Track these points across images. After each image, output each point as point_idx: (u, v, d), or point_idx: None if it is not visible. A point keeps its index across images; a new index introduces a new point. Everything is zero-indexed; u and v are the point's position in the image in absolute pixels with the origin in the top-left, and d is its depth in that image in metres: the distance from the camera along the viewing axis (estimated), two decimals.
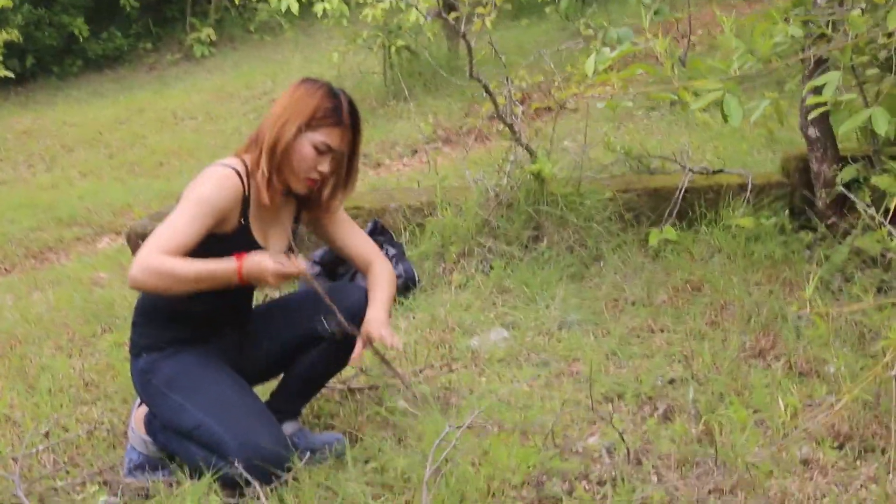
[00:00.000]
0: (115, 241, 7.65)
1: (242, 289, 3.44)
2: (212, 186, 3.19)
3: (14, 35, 13.24)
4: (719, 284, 4.62)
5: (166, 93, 14.16)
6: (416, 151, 8.99)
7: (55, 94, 15.56)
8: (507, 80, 5.40)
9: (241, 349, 3.57)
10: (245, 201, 3.28)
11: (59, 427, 3.91)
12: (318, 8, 10.37)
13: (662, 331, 4.36)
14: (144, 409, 3.50)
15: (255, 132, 3.34)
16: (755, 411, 3.49)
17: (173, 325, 3.41)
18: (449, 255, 5.23)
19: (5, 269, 7.42)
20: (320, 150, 3.28)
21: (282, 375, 3.66)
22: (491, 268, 5.09)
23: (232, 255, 3.19)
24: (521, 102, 5.69)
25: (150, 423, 3.46)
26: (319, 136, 3.27)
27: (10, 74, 13.37)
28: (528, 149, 5.24)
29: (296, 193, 3.41)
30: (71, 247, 7.84)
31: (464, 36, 5.00)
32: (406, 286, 5.04)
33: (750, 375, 3.78)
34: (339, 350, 3.46)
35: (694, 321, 4.35)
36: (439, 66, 9.59)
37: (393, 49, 10.36)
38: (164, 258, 3.07)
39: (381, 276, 3.57)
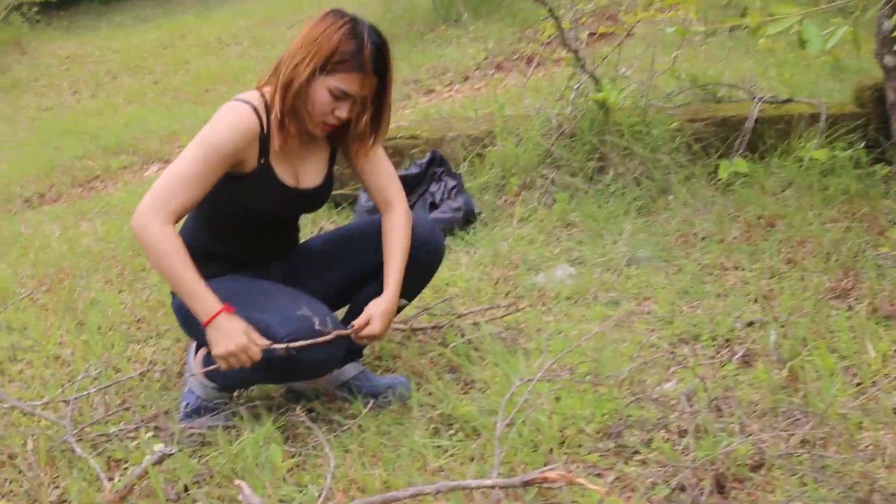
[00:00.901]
0: (162, 170, 7.51)
1: (286, 228, 3.33)
2: (223, 129, 2.99)
3: None
4: (794, 220, 4.41)
5: (210, 17, 13.98)
6: (467, 78, 8.76)
7: (98, 19, 15.44)
8: (572, 2, 5.17)
9: (292, 285, 3.39)
10: (263, 139, 3.08)
11: (111, 368, 3.79)
12: None
13: (737, 268, 4.16)
14: (203, 351, 3.35)
15: (275, 63, 3.11)
16: (841, 357, 3.30)
17: (212, 262, 3.23)
18: (510, 186, 5.06)
19: (52, 198, 7.32)
20: (336, 96, 3.03)
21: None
22: (554, 200, 4.92)
23: (255, 196, 3.11)
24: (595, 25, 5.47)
25: (206, 362, 3.30)
26: (335, 81, 3.01)
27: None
28: (592, 76, 5.03)
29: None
30: (118, 175, 7.74)
31: None
32: (466, 219, 4.87)
33: (832, 318, 3.59)
34: (407, 282, 3.30)
35: (770, 259, 4.14)
36: None
37: None
38: (166, 239, 2.95)
39: (396, 231, 3.32)
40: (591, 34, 5.71)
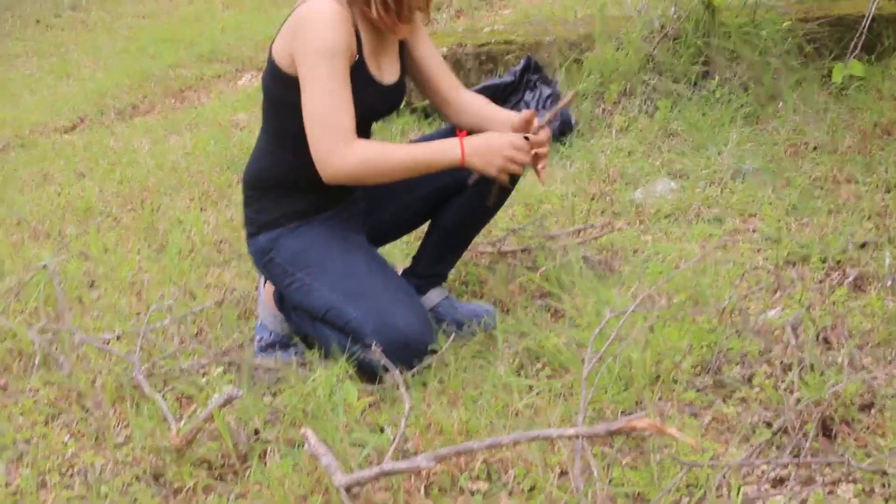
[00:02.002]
0: (256, 79, 7.39)
1: (368, 135, 3.10)
2: (329, 31, 2.73)
3: None
4: None
5: None
6: None
7: None
8: None
9: (371, 211, 3.23)
10: (357, 33, 2.86)
11: (188, 294, 3.67)
12: None
13: (850, 182, 3.89)
14: (272, 287, 3.22)
15: None
16: None
17: (293, 196, 3.05)
18: (609, 94, 4.82)
19: (145, 110, 7.26)
20: None
21: (423, 235, 3.32)
22: (656, 108, 4.68)
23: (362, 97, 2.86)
24: None
25: (279, 303, 3.18)
26: None
27: None
28: None
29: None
30: (211, 85, 7.64)
31: None
32: (562, 130, 4.65)
33: None
34: (491, 193, 3.06)
35: (886, 171, 3.87)
36: None
37: None
38: (368, 147, 2.81)
39: (477, 99, 3.16)
40: None
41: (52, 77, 8.98)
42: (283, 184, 3.04)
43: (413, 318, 2.87)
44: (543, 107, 4.65)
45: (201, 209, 4.55)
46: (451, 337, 2.92)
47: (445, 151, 2.83)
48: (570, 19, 5.69)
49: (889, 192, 3.74)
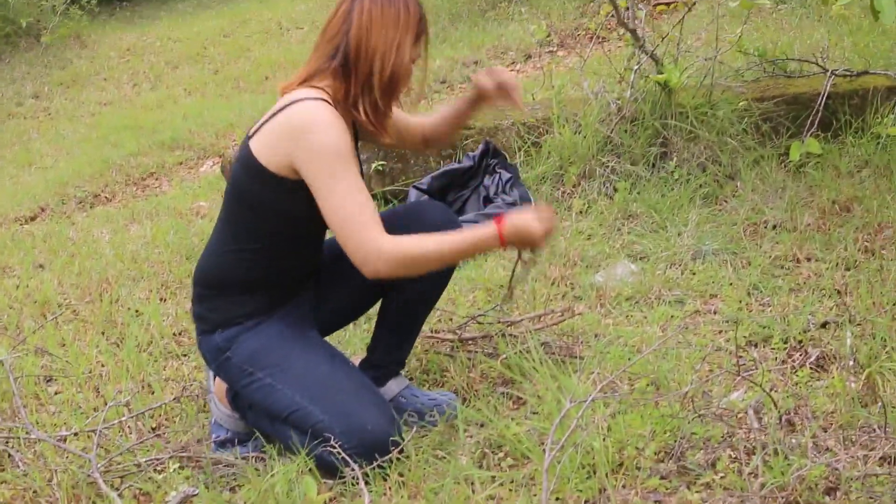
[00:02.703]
0: (217, 165, 7.37)
1: (319, 240, 3.08)
2: (338, 134, 2.74)
3: None
4: (871, 204, 4.14)
5: (272, 2, 13.85)
6: (529, 56, 8.50)
7: (159, 8, 15.38)
8: None
9: (320, 301, 3.19)
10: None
11: (146, 388, 3.61)
12: None
13: (810, 259, 3.90)
14: (223, 385, 3.16)
15: (336, 57, 2.84)
16: None
17: (249, 295, 2.99)
18: (568, 177, 4.81)
19: (106, 198, 7.22)
20: (414, 61, 2.93)
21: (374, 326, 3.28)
22: (615, 190, 4.67)
23: None
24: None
25: (233, 403, 3.12)
26: (418, 49, 2.93)
27: None
28: (652, 56, 4.76)
29: None
30: (173, 172, 7.62)
31: None
32: None
33: None
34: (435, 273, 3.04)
35: (845, 248, 3.87)
36: None
37: None
38: (407, 242, 2.77)
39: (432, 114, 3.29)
40: (656, 7, 5.38)
41: (14, 166, 8.93)
42: (241, 282, 2.99)
43: (381, 417, 2.83)
44: (504, 191, 4.64)
45: (161, 300, 4.50)
46: (413, 429, 2.89)
47: (485, 238, 2.84)
48: (528, 103, 5.69)
49: (849, 269, 3.75)
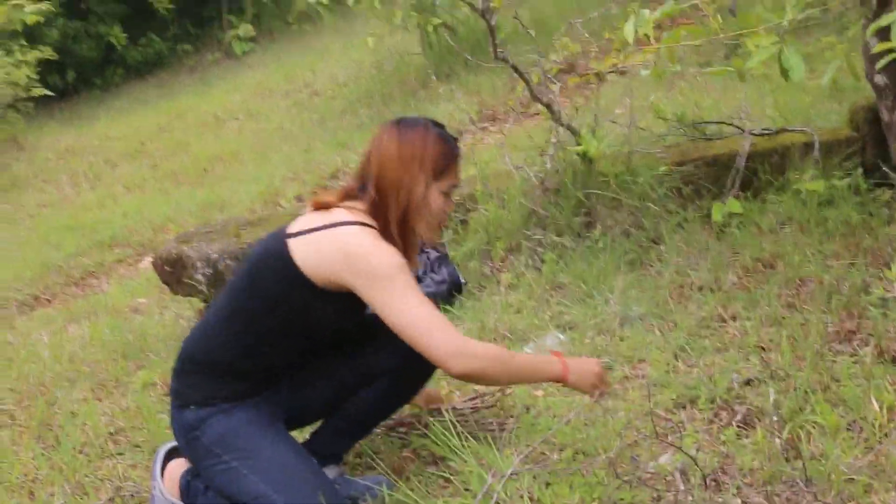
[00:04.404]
0: (152, 261, 7.37)
1: (320, 345, 3.14)
2: (389, 250, 2.88)
3: (48, 52, 13.03)
4: (793, 259, 4.20)
5: (209, 94, 13.89)
6: (461, 133, 8.56)
7: (98, 107, 15.36)
8: (539, 55, 4.97)
9: (293, 394, 3.20)
10: None
11: (79, 490, 3.59)
12: None
13: (735, 319, 3.94)
14: (177, 469, 3.18)
15: (364, 186, 2.99)
16: (846, 411, 3.07)
17: (231, 379, 3.03)
18: (496, 252, 4.85)
19: (46, 300, 7.20)
20: (447, 193, 3.05)
21: None
22: (543, 262, 4.70)
23: (352, 311, 3.07)
24: (569, 71, 5.26)
25: (188, 489, 3.12)
26: (446, 182, 3.03)
27: (49, 93, 13.09)
28: (569, 128, 4.82)
29: None
30: (112, 270, 7.61)
31: (483, 14, 4.56)
32: (451, 291, 4.65)
33: (836, 365, 3.36)
34: (400, 388, 3.23)
35: (769, 305, 3.92)
36: (478, 42, 9.18)
37: (430, 28, 9.92)
38: (488, 345, 3.06)
39: None
40: (575, 78, 5.43)
41: None
42: (227, 365, 3.02)
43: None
44: (433, 270, 4.67)
45: (97, 400, 4.48)
46: None
47: (550, 363, 3.07)
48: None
49: (773, 325, 3.79)
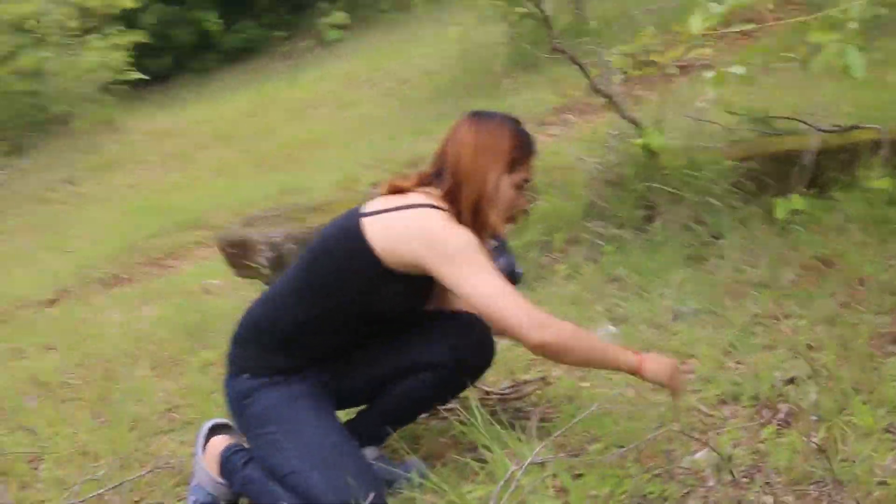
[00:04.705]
0: None
1: (374, 330, 3.20)
2: (462, 229, 2.95)
3: (142, 36, 13.27)
4: (853, 259, 4.14)
5: (299, 81, 14.04)
6: (543, 124, 8.56)
7: (192, 91, 15.65)
8: (600, 48, 4.96)
9: (342, 376, 3.25)
10: None
11: (125, 464, 3.68)
12: None
13: (788, 317, 3.89)
14: (219, 445, 3.25)
15: (441, 174, 3.05)
16: (887, 413, 3.03)
17: (288, 352, 3.11)
18: (555, 243, 4.85)
19: (126, 279, 7.35)
20: (520, 187, 3.10)
21: None
22: (601, 254, 4.69)
23: (415, 294, 3.11)
24: (648, 64, 5.21)
25: (227, 463, 3.19)
26: (518, 176, 3.08)
27: (143, 76, 13.36)
28: (632, 120, 4.80)
29: None
30: (191, 252, 7.76)
31: (537, 4, 4.56)
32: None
33: (884, 367, 3.31)
34: (449, 382, 3.20)
35: (824, 304, 3.87)
36: (563, 32, 9.16)
37: (515, 18, 9.92)
38: (567, 323, 2.97)
39: None
40: (636, 71, 5.38)
41: (44, 250, 9.12)
42: (284, 338, 3.10)
43: (376, 498, 2.88)
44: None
45: (157, 377, 4.58)
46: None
47: (626, 353, 3.06)
48: None
49: (825, 325, 3.74)
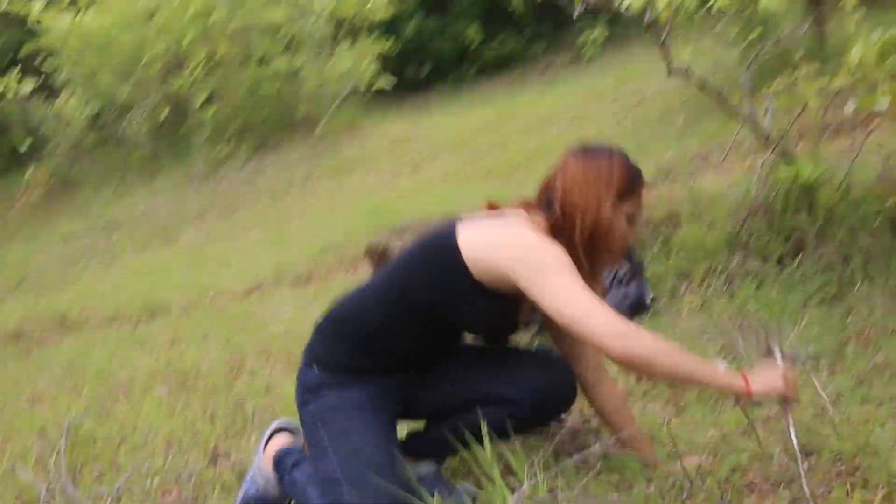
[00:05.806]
0: None
1: (449, 345, 3.22)
2: (556, 248, 2.90)
3: (394, 46, 13.58)
4: None
5: (546, 95, 14.03)
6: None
7: (445, 100, 15.81)
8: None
9: (420, 387, 3.24)
10: None
11: (220, 456, 3.79)
12: None
13: None
14: (277, 445, 3.33)
15: (550, 207, 2.99)
16: None
17: (365, 354, 3.13)
18: (695, 273, 4.66)
19: (319, 277, 7.50)
20: (631, 219, 3.03)
21: None
22: (738, 288, 4.47)
23: (501, 313, 3.06)
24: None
25: (280, 461, 3.27)
26: (630, 206, 3.01)
27: (386, 87, 13.72)
28: (783, 150, 4.56)
29: None
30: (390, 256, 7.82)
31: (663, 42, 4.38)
32: (634, 309, 4.50)
33: None
34: (521, 420, 3.12)
35: None
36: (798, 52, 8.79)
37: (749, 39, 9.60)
38: (659, 337, 2.91)
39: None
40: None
41: (264, 244, 9.45)
42: (364, 337, 3.11)
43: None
44: (620, 282, 4.54)
45: (283, 376, 4.65)
46: None
47: (731, 374, 2.93)
48: (664, 195, 5.54)
49: None
